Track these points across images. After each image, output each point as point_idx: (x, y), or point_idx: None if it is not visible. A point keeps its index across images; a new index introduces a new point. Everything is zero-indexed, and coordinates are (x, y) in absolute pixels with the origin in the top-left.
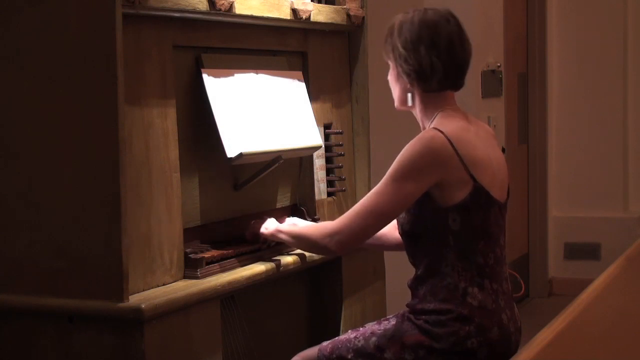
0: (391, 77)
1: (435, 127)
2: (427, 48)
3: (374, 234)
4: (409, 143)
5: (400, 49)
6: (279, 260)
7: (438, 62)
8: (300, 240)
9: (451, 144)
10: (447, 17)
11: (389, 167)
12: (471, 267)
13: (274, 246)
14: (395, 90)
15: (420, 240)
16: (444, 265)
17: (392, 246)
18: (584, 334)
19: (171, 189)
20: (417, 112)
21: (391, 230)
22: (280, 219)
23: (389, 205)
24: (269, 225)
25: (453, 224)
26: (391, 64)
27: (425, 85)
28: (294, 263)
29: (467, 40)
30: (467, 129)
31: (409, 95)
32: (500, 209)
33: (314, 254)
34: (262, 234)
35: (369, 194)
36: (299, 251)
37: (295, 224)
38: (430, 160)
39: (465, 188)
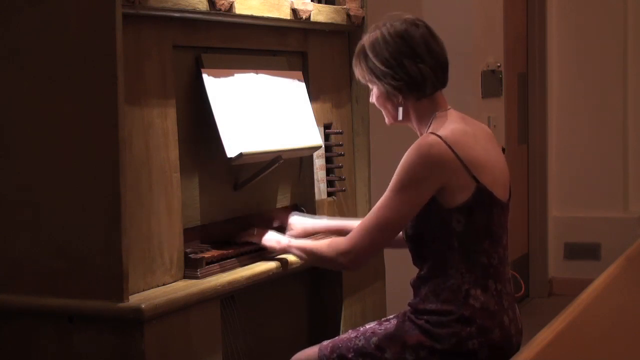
0: (377, 99)
1: (432, 131)
2: (409, 58)
3: (386, 246)
4: (409, 150)
5: (383, 68)
6: (279, 260)
7: (425, 67)
8: (313, 256)
9: (450, 147)
10: (415, 23)
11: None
12: (475, 268)
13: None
14: (387, 107)
15: (424, 243)
16: (448, 267)
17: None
18: (584, 334)
19: (171, 189)
20: (412, 122)
21: None
22: (283, 217)
23: (397, 217)
24: (280, 239)
25: (457, 225)
26: (373, 85)
27: (419, 93)
28: (294, 263)
29: (439, 38)
30: (464, 130)
31: (400, 109)
32: (502, 208)
33: None
34: (273, 248)
35: (375, 208)
36: None
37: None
38: (432, 167)
39: (468, 189)
